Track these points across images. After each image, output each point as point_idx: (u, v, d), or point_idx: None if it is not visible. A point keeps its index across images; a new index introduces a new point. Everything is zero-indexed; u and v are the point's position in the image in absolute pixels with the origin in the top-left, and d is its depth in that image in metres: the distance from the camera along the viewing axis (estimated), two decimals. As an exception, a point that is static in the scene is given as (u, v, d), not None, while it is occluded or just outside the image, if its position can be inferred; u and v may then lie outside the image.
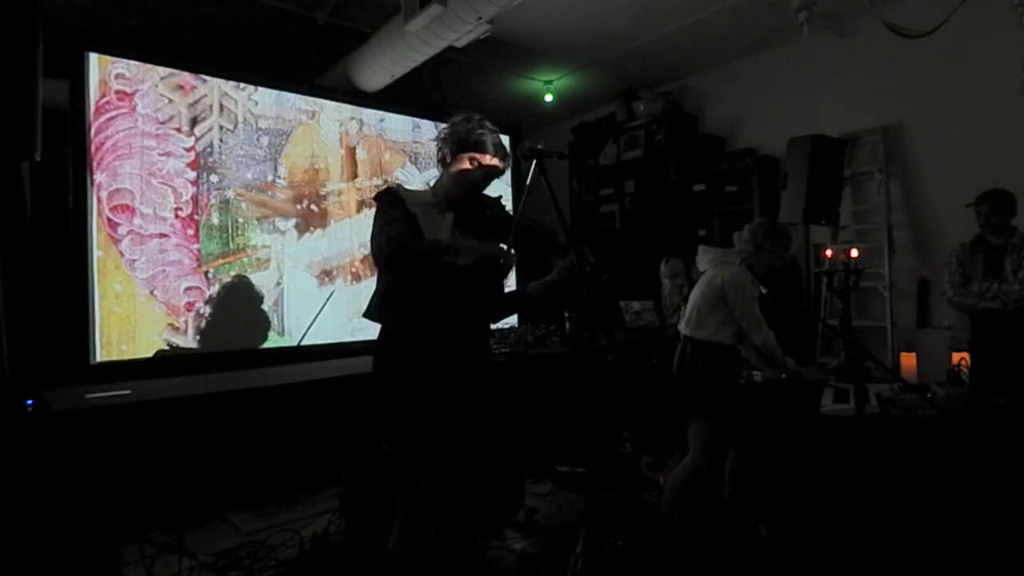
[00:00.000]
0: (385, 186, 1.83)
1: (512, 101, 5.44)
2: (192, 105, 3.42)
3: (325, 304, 3.59)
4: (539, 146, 1.63)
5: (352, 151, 4.10)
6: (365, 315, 1.77)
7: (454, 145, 1.74)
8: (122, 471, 2.57)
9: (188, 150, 3.39)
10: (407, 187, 1.86)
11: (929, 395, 2.10)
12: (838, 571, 2.01)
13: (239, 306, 3.56)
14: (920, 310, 3.77)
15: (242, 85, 3.62)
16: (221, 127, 3.53)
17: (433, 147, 1.88)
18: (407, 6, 3.25)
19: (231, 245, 3.54)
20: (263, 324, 3.65)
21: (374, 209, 1.75)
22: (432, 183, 1.87)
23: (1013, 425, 1.86)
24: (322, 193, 3.93)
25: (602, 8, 3.81)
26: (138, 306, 3.20)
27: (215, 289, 3.47)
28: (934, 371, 2.72)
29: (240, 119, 3.60)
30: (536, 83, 5.13)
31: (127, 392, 2.77)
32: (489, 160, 1.75)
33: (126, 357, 3.15)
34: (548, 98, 5.29)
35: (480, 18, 3.27)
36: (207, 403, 3.03)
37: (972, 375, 2.21)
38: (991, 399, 2.00)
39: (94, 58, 3.11)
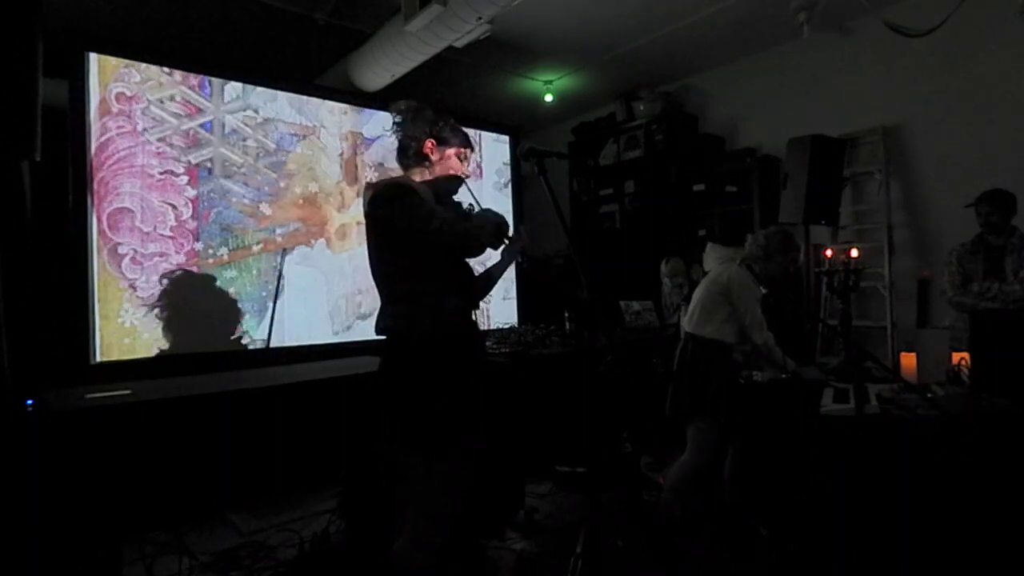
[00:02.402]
0: (389, 180, 1.75)
1: (512, 101, 5.44)
2: (193, 125, 3.40)
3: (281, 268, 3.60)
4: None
5: (353, 168, 4.10)
6: (381, 332, 1.70)
7: (436, 140, 1.76)
8: (122, 471, 2.57)
9: (188, 170, 3.38)
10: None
11: (929, 395, 2.09)
12: (838, 571, 2.01)
13: (235, 313, 3.55)
14: (920, 310, 3.77)
15: (242, 107, 3.61)
16: (222, 148, 3.52)
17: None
18: (407, 6, 3.25)
19: (231, 264, 3.54)
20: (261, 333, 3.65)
21: (381, 207, 1.66)
22: (411, 175, 1.80)
23: (1013, 425, 1.86)
24: (323, 210, 3.93)
25: (602, 8, 3.81)
26: (138, 324, 3.19)
27: (214, 296, 3.46)
28: (934, 371, 2.72)
29: (240, 139, 3.59)
30: (536, 83, 5.13)
31: (127, 392, 2.77)
32: (470, 154, 1.83)
33: (126, 357, 3.15)
34: (548, 98, 5.29)
35: (480, 18, 3.27)
36: (207, 403, 3.03)
37: (972, 375, 2.21)
38: (991, 399, 2.00)
39: (94, 76, 3.09)
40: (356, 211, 4.02)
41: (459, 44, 3.60)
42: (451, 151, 1.78)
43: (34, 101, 1.88)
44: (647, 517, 2.72)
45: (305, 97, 3.91)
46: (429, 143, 1.75)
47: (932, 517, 1.81)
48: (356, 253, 4.03)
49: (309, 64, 4.39)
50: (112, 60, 3.16)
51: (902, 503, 1.85)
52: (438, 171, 1.77)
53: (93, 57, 3.10)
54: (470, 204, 1.85)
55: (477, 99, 5.35)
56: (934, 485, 1.82)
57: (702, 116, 5.07)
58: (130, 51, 3.24)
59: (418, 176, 1.78)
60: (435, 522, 1.65)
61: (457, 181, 1.80)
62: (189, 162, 3.38)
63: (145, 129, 3.23)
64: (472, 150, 1.85)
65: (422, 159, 1.77)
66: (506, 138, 5.10)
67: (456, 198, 1.85)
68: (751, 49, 4.54)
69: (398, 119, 1.79)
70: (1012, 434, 1.84)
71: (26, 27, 1.86)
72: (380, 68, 3.94)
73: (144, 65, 3.26)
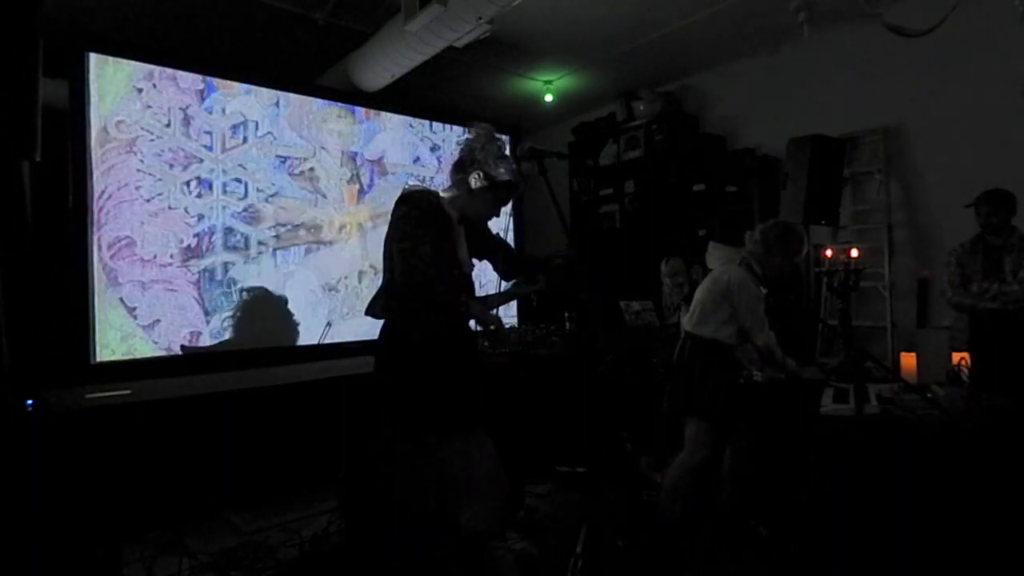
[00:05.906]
0: (415, 186, 1.90)
1: (512, 101, 5.43)
2: (193, 176, 3.40)
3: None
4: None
5: (356, 188, 4.09)
6: (375, 313, 1.84)
7: (482, 175, 1.83)
8: (122, 471, 2.58)
9: (189, 193, 3.37)
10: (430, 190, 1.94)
11: (929, 395, 2.10)
12: (838, 571, 2.01)
13: (240, 320, 3.56)
14: (920, 310, 3.77)
15: (241, 131, 3.59)
16: (224, 171, 3.52)
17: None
18: (407, 6, 3.25)
19: (233, 286, 3.54)
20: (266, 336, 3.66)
21: (399, 207, 1.80)
22: (446, 189, 1.94)
23: (1013, 425, 1.86)
24: (324, 225, 3.92)
25: (602, 8, 3.80)
26: (138, 342, 3.21)
27: (215, 313, 3.47)
28: (934, 371, 2.72)
29: (240, 163, 3.59)
30: (536, 83, 5.13)
31: (127, 392, 2.78)
32: (509, 195, 1.92)
33: (126, 357, 3.15)
34: (548, 98, 5.28)
35: (480, 18, 3.27)
36: (207, 403, 3.03)
37: (972, 375, 2.21)
38: (991, 399, 2.00)
39: (95, 97, 3.08)
40: (358, 227, 4.03)
41: (459, 44, 3.59)
42: (492, 191, 1.86)
43: (34, 101, 1.88)
44: (647, 517, 2.72)
45: (306, 120, 3.88)
46: (475, 175, 1.83)
47: (932, 517, 1.81)
48: (358, 252, 4.04)
49: (309, 64, 4.39)
50: (113, 80, 3.15)
51: (902, 503, 1.85)
52: (470, 202, 1.87)
53: (93, 66, 3.08)
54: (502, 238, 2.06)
55: (477, 99, 5.34)
56: (934, 485, 1.82)
57: (702, 116, 5.07)
58: (130, 51, 3.24)
59: (453, 194, 1.90)
60: (481, 490, 1.75)
61: (487, 214, 1.93)
62: (189, 187, 3.37)
63: (145, 156, 3.22)
64: (514, 196, 1.94)
65: (464, 184, 1.86)
66: (506, 138, 5.11)
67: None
68: (751, 49, 4.54)
69: (470, 136, 1.91)
70: (1012, 434, 1.84)
71: (26, 27, 1.86)
72: (380, 68, 3.94)
73: (146, 101, 3.26)
